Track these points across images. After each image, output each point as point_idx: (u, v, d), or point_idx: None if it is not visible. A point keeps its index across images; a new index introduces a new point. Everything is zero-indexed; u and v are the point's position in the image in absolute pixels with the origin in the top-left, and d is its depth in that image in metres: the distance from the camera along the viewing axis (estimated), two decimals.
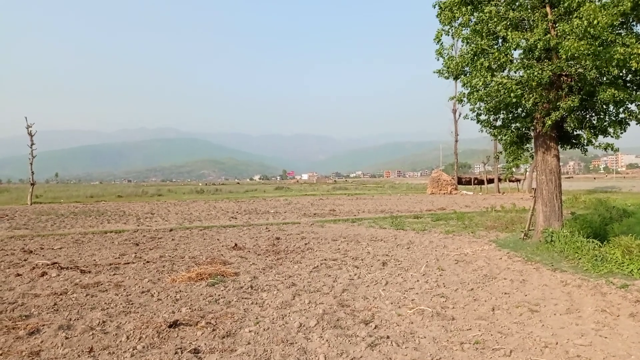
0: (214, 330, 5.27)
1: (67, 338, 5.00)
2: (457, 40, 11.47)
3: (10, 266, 9.38)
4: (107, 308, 6.21)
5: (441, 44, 11.60)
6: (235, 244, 12.03)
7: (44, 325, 5.44)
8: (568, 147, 12.08)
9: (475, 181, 55.49)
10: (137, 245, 12.34)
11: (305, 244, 12.32)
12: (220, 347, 4.76)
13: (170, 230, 15.87)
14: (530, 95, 9.97)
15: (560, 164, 11.63)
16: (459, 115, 50.97)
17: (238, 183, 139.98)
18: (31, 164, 37.33)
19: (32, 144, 36.84)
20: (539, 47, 9.45)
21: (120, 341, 4.95)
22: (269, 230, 15.51)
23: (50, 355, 4.57)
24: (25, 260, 10.09)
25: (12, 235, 14.44)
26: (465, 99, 11.57)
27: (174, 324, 5.32)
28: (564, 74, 9.98)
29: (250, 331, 5.27)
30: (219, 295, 6.91)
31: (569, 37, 8.72)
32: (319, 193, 49.92)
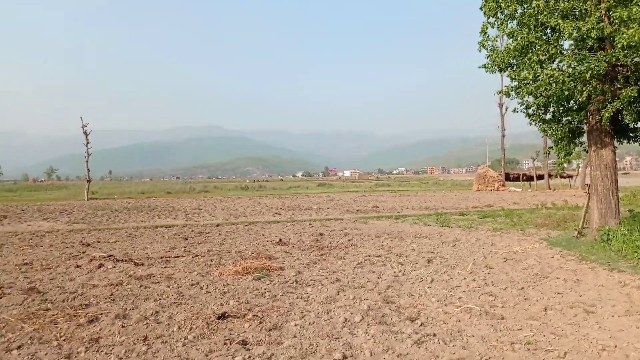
0: (260, 322, 5.38)
1: (123, 326, 5.25)
2: (503, 33, 11.10)
3: (71, 258, 9.94)
4: (160, 299, 6.47)
5: (487, 35, 11.28)
6: (280, 239, 12.20)
7: (102, 314, 5.73)
8: (625, 140, 11.45)
9: (524, 177, 53.52)
10: (186, 239, 12.76)
11: (349, 240, 12.32)
12: (267, 340, 4.86)
13: (217, 225, 16.29)
14: (584, 88, 9.50)
15: (616, 158, 11.04)
16: (506, 109, 49.31)
17: (281, 180, 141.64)
18: (87, 161, 39.30)
19: (88, 143, 38.76)
20: (592, 36, 8.99)
21: (172, 331, 5.15)
22: (312, 226, 15.62)
23: (108, 342, 4.81)
24: (83, 252, 10.66)
25: (72, 229, 15.28)
26: (513, 93, 11.19)
27: (223, 316, 5.47)
28: (619, 64, 9.45)
29: (296, 325, 5.34)
30: (265, 289, 7.04)
31: (628, 24, 8.25)
32: (362, 189, 49.74)
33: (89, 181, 39.40)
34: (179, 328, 5.22)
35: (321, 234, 13.46)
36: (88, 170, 39.42)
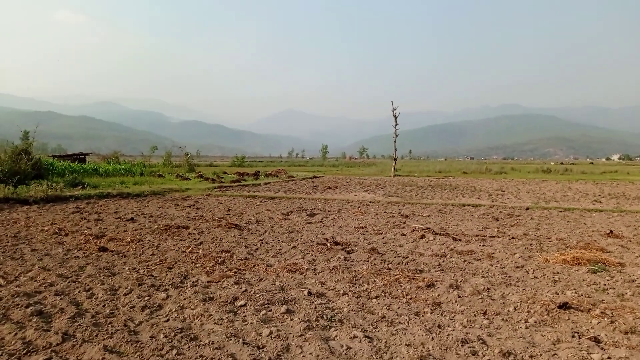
0: (612, 322, 4.74)
1: (459, 297, 5.52)
2: None
3: (395, 227, 11.15)
4: (487, 276, 6.52)
5: None
6: (611, 231, 10.51)
7: (436, 281, 6.18)
8: None
9: None
10: (497, 220, 12.50)
11: None
12: (626, 343, 4.23)
13: (527, 208, 15.34)
14: None
15: None
16: None
17: (592, 163, 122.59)
18: (395, 141, 43.24)
19: (396, 125, 42.52)
20: None
21: (509, 310, 5.10)
22: None
23: (449, 308, 5.15)
24: (404, 223, 11.79)
25: (389, 201, 17.16)
26: None
27: (564, 306, 5.08)
28: None
29: None
30: (606, 284, 6.18)
31: None
32: None
33: (395, 159, 43.38)
34: (515, 309, 5.13)
35: None
36: (395, 149, 43.36)
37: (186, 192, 19.68)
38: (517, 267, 7.12)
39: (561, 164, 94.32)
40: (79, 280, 5.98)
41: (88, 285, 5.76)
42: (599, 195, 21.12)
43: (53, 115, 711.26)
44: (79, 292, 5.47)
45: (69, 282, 5.83)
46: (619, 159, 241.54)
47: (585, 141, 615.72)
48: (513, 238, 9.70)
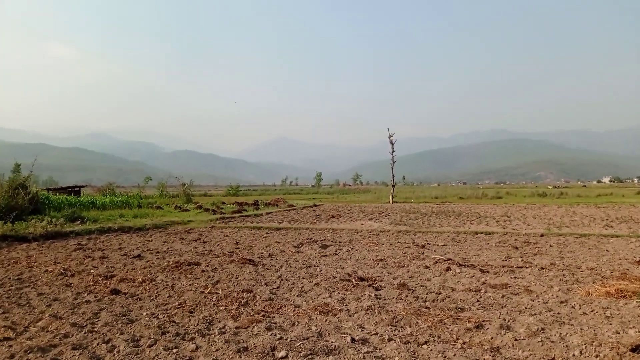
0: None
1: (516, 340, 5.05)
2: None
3: (414, 258, 10.68)
4: (534, 314, 6.06)
5: None
6: None
7: (484, 321, 5.71)
8: None
9: None
10: (517, 249, 12.09)
11: None
12: None
13: (542, 235, 14.99)
14: None
15: None
16: None
17: (584, 186, 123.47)
18: (392, 168, 43.09)
19: (393, 151, 42.45)
20: None
21: (574, 355, 4.64)
22: None
23: (510, 354, 4.66)
24: (422, 253, 11.34)
25: (399, 230, 16.71)
26: None
27: (637, 349, 4.64)
28: None
29: None
30: None
31: None
32: None
33: (393, 185, 43.19)
34: (581, 354, 4.67)
35: None
36: (393, 175, 43.23)
37: (189, 224, 19.12)
38: (561, 302, 6.67)
39: (556, 187, 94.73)
40: (96, 329, 5.44)
41: (106, 335, 5.23)
42: (607, 219, 20.86)
43: (44, 147, 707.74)
44: (98, 344, 4.94)
45: (85, 333, 5.30)
46: (610, 181, 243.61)
47: (575, 164, 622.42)
48: (542, 269, 9.27)
